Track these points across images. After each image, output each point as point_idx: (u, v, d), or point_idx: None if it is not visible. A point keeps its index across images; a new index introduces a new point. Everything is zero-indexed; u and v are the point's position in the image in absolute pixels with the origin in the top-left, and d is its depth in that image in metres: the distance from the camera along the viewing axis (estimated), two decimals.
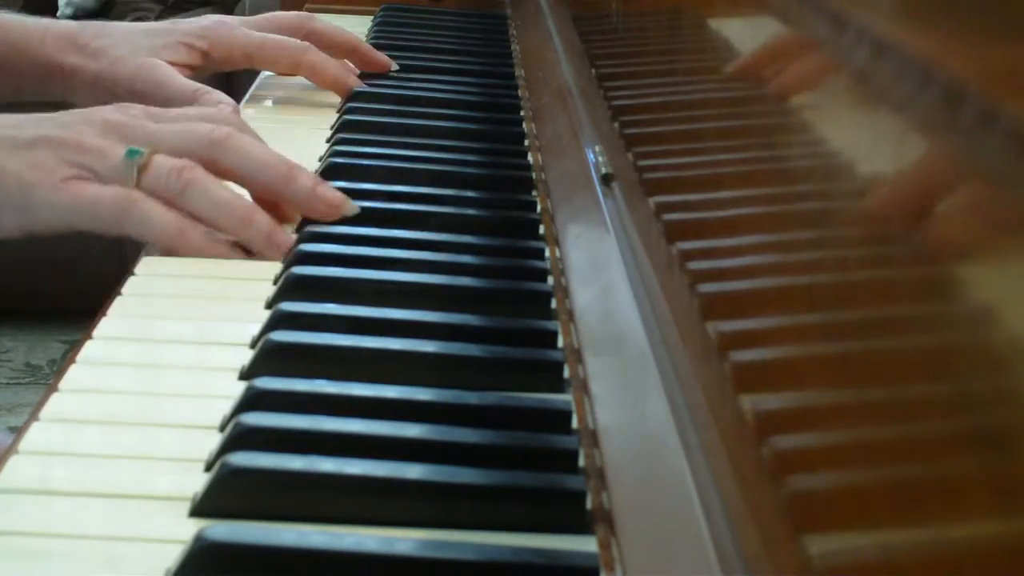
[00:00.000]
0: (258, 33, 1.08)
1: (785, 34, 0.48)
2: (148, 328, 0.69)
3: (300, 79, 1.11)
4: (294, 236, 0.77)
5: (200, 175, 0.76)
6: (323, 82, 1.09)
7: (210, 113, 0.85)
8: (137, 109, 0.81)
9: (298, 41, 1.08)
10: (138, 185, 0.76)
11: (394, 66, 1.15)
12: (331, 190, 0.80)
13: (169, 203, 0.76)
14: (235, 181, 0.79)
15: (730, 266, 0.55)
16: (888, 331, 0.36)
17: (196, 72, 1.05)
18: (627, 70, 0.85)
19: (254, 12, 2.63)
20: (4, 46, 1.02)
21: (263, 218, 0.77)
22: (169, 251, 0.76)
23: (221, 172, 0.78)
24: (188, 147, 0.78)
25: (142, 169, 0.76)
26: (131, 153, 0.76)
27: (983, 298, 0.31)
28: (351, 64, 1.12)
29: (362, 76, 1.11)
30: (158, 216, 0.75)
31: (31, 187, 0.75)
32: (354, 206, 0.80)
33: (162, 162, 0.76)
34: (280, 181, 0.79)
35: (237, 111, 0.95)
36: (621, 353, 0.59)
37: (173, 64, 1.02)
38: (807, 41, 0.45)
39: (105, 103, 0.83)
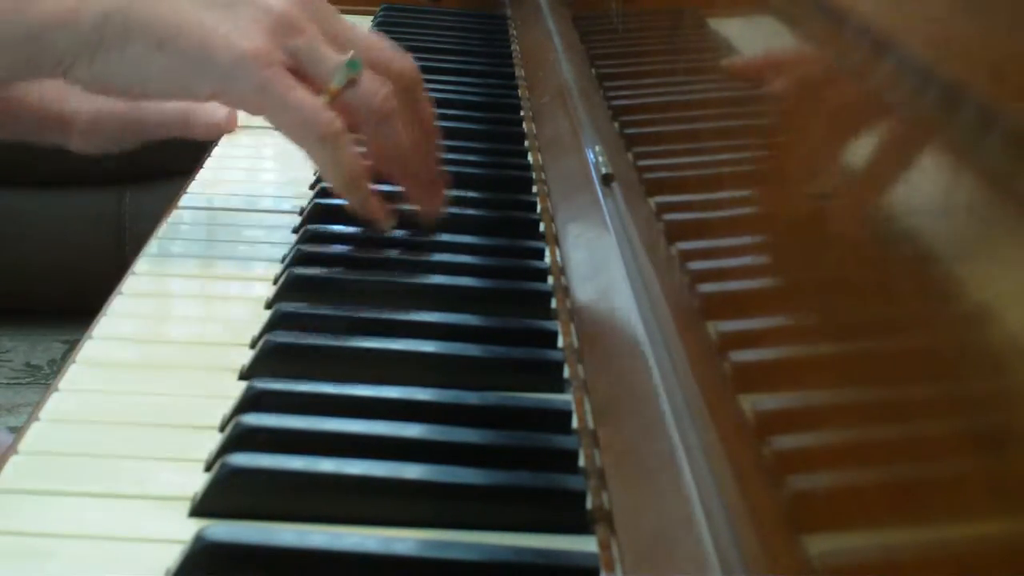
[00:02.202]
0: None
1: (785, 34, 0.48)
2: (148, 328, 0.69)
3: None
4: (389, 209, 0.75)
5: (394, 115, 0.74)
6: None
7: (388, 62, 0.77)
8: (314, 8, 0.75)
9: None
10: (338, 94, 0.72)
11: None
12: (431, 217, 0.77)
13: (352, 122, 0.73)
14: (414, 133, 0.76)
15: (730, 266, 0.55)
16: (888, 331, 0.36)
17: None
18: (627, 70, 0.85)
19: None
20: None
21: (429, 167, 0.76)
22: (336, 194, 0.75)
23: (410, 115, 0.76)
24: (394, 74, 0.75)
25: (352, 82, 0.73)
26: (352, 65, 0.73)
27: (983, 298, 0.31)
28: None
29: None
30: (348, 162, 0.72)
31: (239, 56, 0.70)
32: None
33: (371, 81, 0.73)
34: (417, 176, 0.77)
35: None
36: (621, 353, 0.59)
37: None
38: (807, 41, 0.45)
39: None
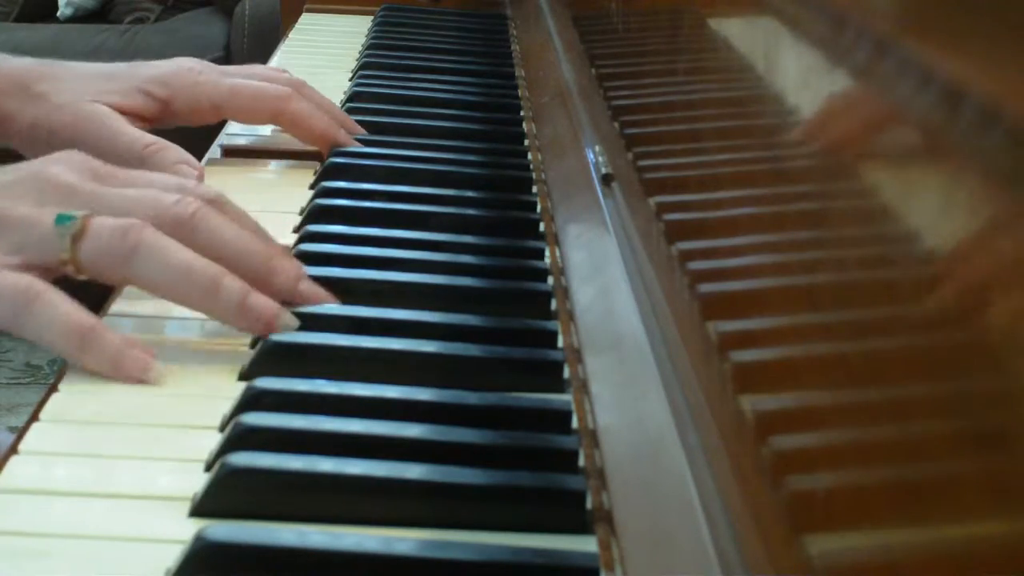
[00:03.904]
0: (229, 79, 0.92)
1: (785, 34, 0.48)
2: (148, 328, 0.68)
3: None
4: (275, 306, 0.65)
5: (150, 235, 0.63)
6: (307, 135, 0.93)
7: (174, 183, 0.70)
8: (88, 164, 0.68)
9: (277, 87, 0.92)
10: (74, 258, 0.63)
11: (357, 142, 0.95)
12: (314, 288, 0.67)
13: (113, 275, 0.65)
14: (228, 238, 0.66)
15: (730, 266, 0.55)
16: (888, 331, 0.36)
17: (154, 124, 0.90)
18: (627, 70, 0.85)
19: (255, 13, 2.64)
20: None
21: (233, 284, 0.64)
22: (74, 361, 0.62)
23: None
24: (142, 217, 0.65)
25: (77, 237, 0.63)
26: (61, 219, 0.63)
27: (983, 298, 0.31)
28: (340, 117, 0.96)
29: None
30: (60, 317, 0.61)
31: None
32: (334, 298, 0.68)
33: (100, 224, 0.63)
34: (259, 274, 0.66)
35: (203, 175, 0.83)
36: (621, 353, 0.59)
37: (124, 113, 0.88)
38: (807, 41, 0.45)
39: (46, 154, 0.70)
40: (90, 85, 0.89)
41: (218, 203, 0.68)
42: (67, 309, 0.62)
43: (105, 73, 0.91)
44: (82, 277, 0.64)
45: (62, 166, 0.67)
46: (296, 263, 0.68)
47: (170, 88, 0.90)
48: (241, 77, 0.93)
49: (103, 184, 0.67)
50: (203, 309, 0.64)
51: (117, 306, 0.70)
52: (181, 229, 0.65)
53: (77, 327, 0.62)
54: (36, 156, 0.71)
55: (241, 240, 0.66)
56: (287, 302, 0.66)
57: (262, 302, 0.64)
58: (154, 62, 0.94)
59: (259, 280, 0.65)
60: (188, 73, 0.91)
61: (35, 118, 0.87)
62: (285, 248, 0.72)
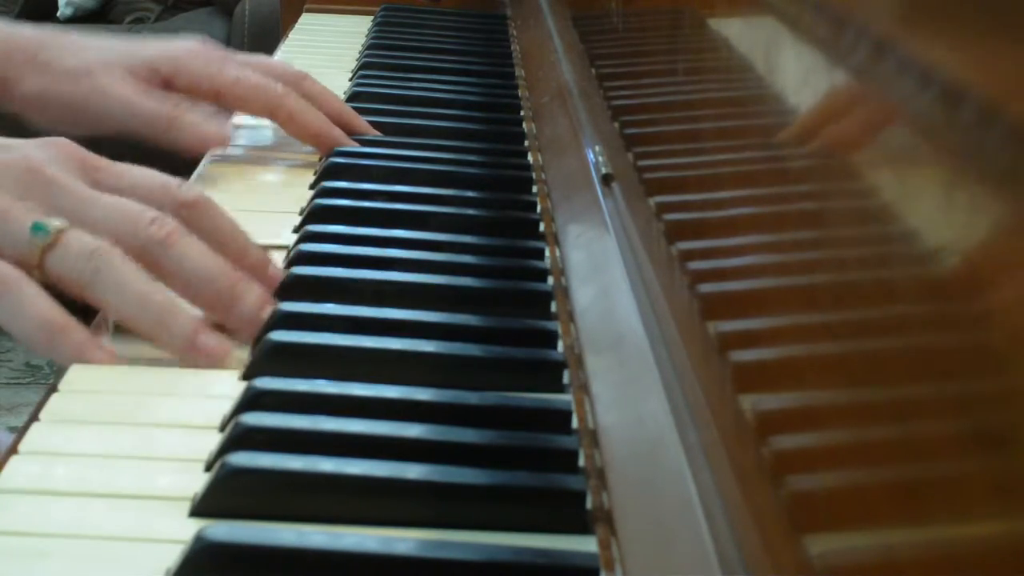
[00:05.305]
0: (235, 70, 0.93)
1: (785, 34, 0.48)
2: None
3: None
4: (226, 346, 0.64)
5: (116, 261, 0.64)
6: (302, 134, 0.94)
7: (159, 184, 0.70)
8: (76, 156, 0.69)
9: (278, 85, 0.93)
10: (40, 265, 0.64)
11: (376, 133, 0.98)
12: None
13: (73, 290, 0.64)
14: (171, 289, 0.66)
15: (730, 266, 0.55)
16: (888, 331, 0.36)
17: None
18: (627, 70, 0.85)
19: (255, 13, 2.64)
20: None
21: (185, 321, 0.64)
22: (42, 354, 0.63)
23: (154, 272, 0.66)
24: (117, 233, 0.65)
25: (47, 248, 0.64)
26: (36, 229, 0.64)
27: (983, 298, 0.31)
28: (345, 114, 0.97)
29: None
30: (31, 308, 0.62)
31: None
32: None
33: (74, 240, 0.64)
34: (221, 301, 0.66)
35: (227, 140, 0.89)
36: (621, 353, 0.59)
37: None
38: (807, 41, 0.45)
39: (57, 121, 0.72)
40: (98, 55, 0.90)
41: (199, 207, 0.69)
42: (38, 303, 0.62)
43: (111, 45, 0.92)
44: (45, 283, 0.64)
45: (51, 155, 0.68)
46: (260, 290, 0.67)
47: (176, 66, 0.92)
48: (246, 66, 0.94)
49: (89, 180, 0.68)
50: (154, 340, 0.64)
51: None
52: (151, 251, 0.66)
53: (47, 323, 0.62)
54: (46, 123, 0.73)
55: (206, 267, 0.66)
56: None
57: (212, 342, 0.64)
58: (164, 41, 0.95)
59: (222, 307, 0.66)
60: (196, 56, 0.93)
61: (43, 87, 0.88)
62: (264, 257, 0.71)
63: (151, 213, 0.67)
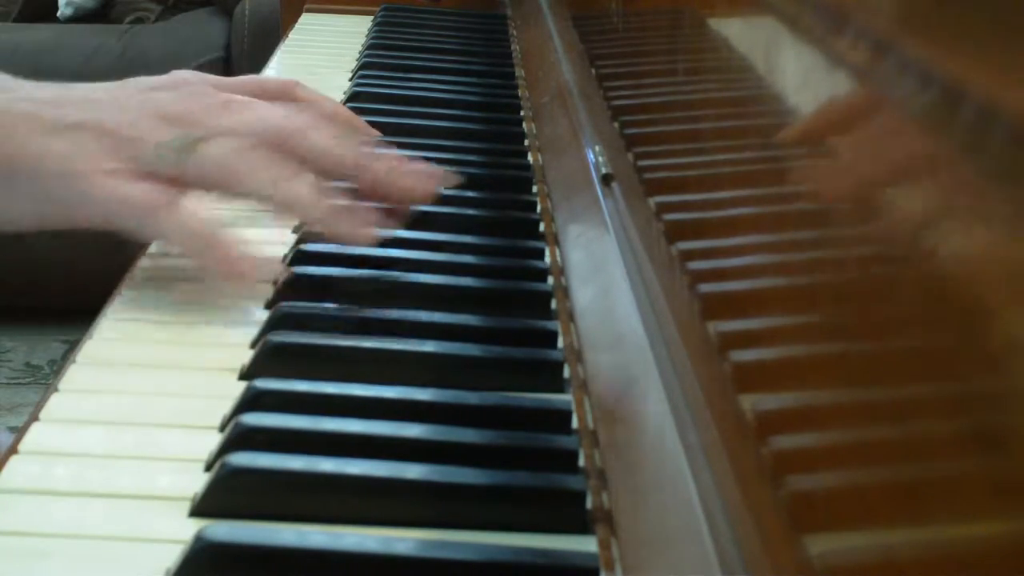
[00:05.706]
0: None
1: (785, 34, 0.48)
2: (148, 328, 0.69)
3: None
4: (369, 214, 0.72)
5: (257, 153, 0.71)
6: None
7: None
8: (209, 81, 0.76)
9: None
10: (183, 172, 0.70)
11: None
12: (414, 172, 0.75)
13: (221, 186, 0.71)
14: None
15: (730, 266, 0.55)
16: (888, 331, 0.36)
17: None
18: (627, 70, 0.85)
19: (255, 13, 2.64)
20: None
21: (330, 200, 0.71)
22: (198, 262, 0.71)
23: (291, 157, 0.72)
24: (253, 133, 0.72)
25: (185, 150, 0.70)
26: (177, 139, 0.71)
27: (983, 298, 0.31)
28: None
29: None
30: (187, 222, 0.69)
31: (73, 176, 0.69)
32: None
33: (213, 144, 0.71)
34: (352, 166, 0.74)
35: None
36: (621, 353, 0.59)
37: None
38: (807, 41, 0.45)
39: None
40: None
41: (315, 105, 0.80)
42: (191, 217, 0.69)
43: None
44: (192, 191, 0.71)
45: (174, 94, 0.74)
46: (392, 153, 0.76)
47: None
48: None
49: (222, 104, 0.74)
50: (306, 220, 0.73)
51: (118, 305, 0.70)
52: (288, 141, 0.72)
53: (200, 233, 0.69)
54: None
55: (340, 151, 0.74)
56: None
57: (361, 211, 0.72)
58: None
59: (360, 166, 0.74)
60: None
61: None
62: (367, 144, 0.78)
63: (281, 110, 0.74)
